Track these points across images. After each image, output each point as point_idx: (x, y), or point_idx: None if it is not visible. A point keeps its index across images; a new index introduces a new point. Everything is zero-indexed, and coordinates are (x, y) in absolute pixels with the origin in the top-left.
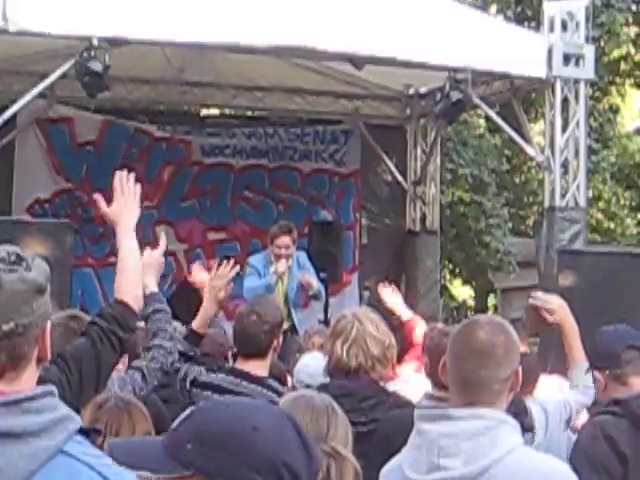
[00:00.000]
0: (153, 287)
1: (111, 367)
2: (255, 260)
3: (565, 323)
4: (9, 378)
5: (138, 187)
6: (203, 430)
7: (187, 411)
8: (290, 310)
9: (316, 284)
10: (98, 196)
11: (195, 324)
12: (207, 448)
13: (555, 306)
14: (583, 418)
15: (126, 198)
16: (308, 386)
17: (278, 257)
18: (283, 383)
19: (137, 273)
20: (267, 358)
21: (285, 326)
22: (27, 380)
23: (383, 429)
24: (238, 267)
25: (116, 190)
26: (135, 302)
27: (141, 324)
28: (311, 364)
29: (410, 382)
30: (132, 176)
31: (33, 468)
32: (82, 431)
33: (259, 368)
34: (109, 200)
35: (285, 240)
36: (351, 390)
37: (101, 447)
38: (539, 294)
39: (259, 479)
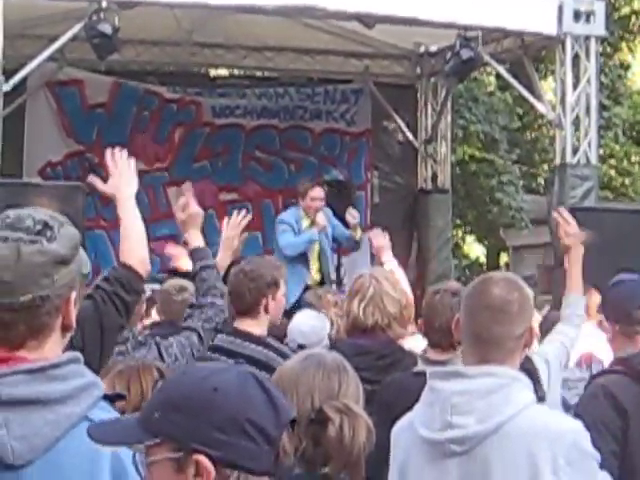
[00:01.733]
0: (197, 242)
1: (117, 330)
2: (287, 217)
3: (574, 250)
4: (31, 347)
5: (132, 160)
6: (167, 397)
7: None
8: (322, 264)
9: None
10: (94, 177)
11: None
12: (172, 414)
13: (573, 229)
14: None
15: (120, 170)
16: (301, 346)
17: (315, 210)
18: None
19: (141, 237)
20: (259, 317)
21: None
22: (51, 348)
23: (382, 395)
24: (250, 216)
25: (109, 166)
26: (141, 265)
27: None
28: (304, 322)
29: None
30: (124, 151)
31: (58, 434)
32: (106, 397)
33: (253, 326)
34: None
35: (320, 192)
36: (368, 348)
37: (123, 412)
38: (564, 213)
39: (224, 438)
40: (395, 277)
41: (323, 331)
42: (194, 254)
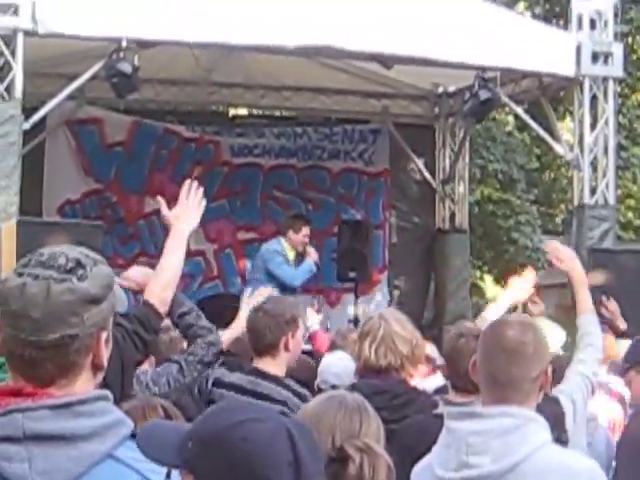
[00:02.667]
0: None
1: (135, 366)
2: (278, 247)
3: (574, 272)
4: (60, 385)
5: (204, 201)
6: (202, 431)
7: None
8: None
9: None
10: (160, 199)
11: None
12: (201, 448)
13: (565, 255)
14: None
15: (189, 205)
16: (334, 386)
17: (303, 244)
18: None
19: (173, 277)
20: (279, 356)
21: None
22: (81, 387)
23: (403, 438)
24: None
25: (182, 196)
26: (161, 304)
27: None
28: (336, 364)
29: None
30: (201, 189)
31: (80, 470)
32: (135, 435)
33: (272, 366)
34: (138, 202)
35: (308, 230)
36: (382, 388)
37: None
38: (553, 242)
39: None
40: (403, 316)
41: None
42: (174, 301)
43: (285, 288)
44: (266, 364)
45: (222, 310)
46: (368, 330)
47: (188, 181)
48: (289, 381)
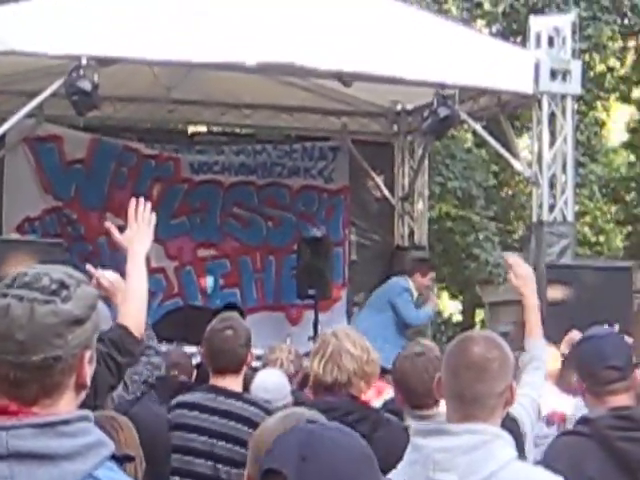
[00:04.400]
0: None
1: (108, 389)
2: (406, 285)
3: (526, 293)
4: (44, 405)
5: (153, 216)
6: (276, 440)
7: None
8: None
9: None
10: (110, 224)
11: None
12: (269, 459)
13: (523, 271)
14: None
15: (139, 225)
16: (267, 402)
17: (427, 288)
18: None
19: (143, 301)
20: (241, 374)
21: None
22: (65, 407)
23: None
24: None
25: (130, 217)
26: (137, 328)
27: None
28: (267, 379)
29: None
30: (148, 204)
31: None
32: (114, 457)
33: (234, 384)
34: (98, 219)
35: (434, 275)
36: (333, 405)
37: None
38: (514, 256)
39: None
40: (356, 333)
41: (285, 387)
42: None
43: (400, 324)
44: (227, 382)
45: (187, 322)
46: (319, 347)
47: (133, 201)
48: (251, 397)
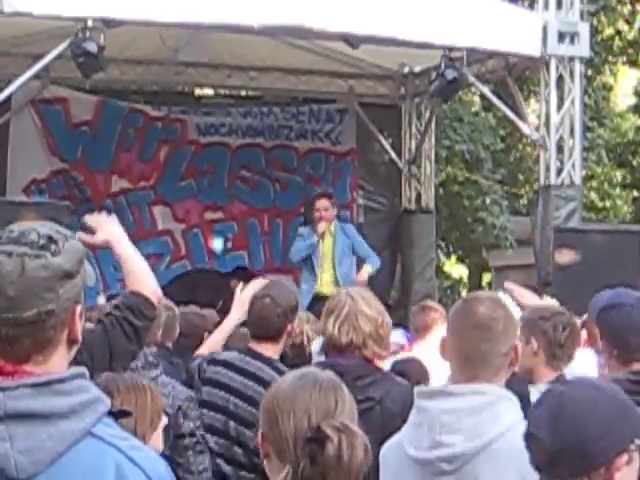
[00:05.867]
0: None
1: (127, 355)
2: (302, 229)
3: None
4: (37, 361)
5: (112, 216)
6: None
7: None
8: (335, 272)
9: (369, 267)
10: (82, 234)
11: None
12: None
13: (526, 300)
14: None
15: (102, 223)
16: None
17: (318, 219)
18: None
19: (146, 270)
20: (280, 342)
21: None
22: (57, 363)
23: (382, 408)
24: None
25: (92, 226)
26: (152, 294)
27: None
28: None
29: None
30: (96, 214)
31: (60, 449)
32: (111, 413)
33: (270, 351)
34: (104, 181)
35: (323, 202)
36: (345, 368)
37: (130, 429)
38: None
39: None
40: (371, 295)
41: None
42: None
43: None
44: (264, 349)
45: (195, 286)
46: (333, 307)
47: (86, 217)
48: (280, 364)
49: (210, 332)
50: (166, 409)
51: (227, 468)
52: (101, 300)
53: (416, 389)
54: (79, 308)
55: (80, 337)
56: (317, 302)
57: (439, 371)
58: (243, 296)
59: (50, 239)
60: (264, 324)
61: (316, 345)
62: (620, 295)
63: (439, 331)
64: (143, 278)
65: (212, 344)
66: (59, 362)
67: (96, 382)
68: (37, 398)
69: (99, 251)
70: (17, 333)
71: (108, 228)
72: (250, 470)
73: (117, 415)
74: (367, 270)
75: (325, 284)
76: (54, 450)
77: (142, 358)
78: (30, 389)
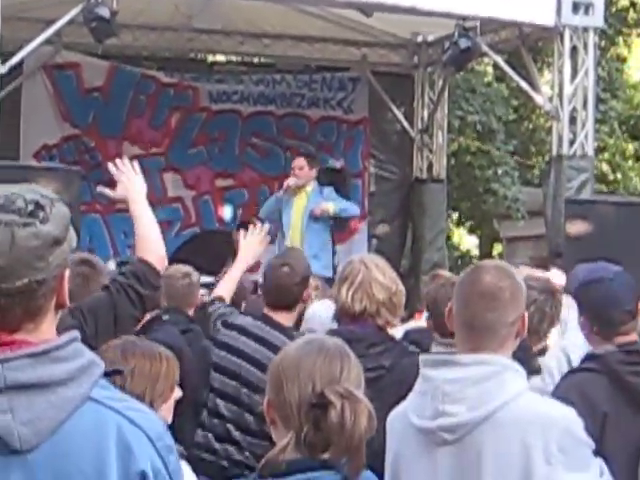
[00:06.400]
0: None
1: (131, 320)
2: (276, 191)
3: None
4: (28, 329)
5: (135, 163)
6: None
7: None
8: (302, 229)
9: (332, 205)
10: (101, 188)
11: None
12: None
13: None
14: None
15: (127, 176)
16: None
17: (294, 176)
18: None
19: (157, 236)
20: (295, 309)
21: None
22: (47, 328)
23: (392, 376)
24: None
25: (114, 174)
26: (159, 261)
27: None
28: (323, 310)
29: None
30: (126, 160)
31: (62, 417)
32: (106, 374)
33: (285, 319)
34: (116, 147)
35: (299, 162)
36: (358, 335)
37: (123, 388)
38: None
39: None
40: (385, 262)
41: None
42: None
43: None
44: (280, 317)
45: (204, 249)
46: (347, 275)
47: (109, 164)
48: (295, 332)
49: (246, 300)
50: None
51: (236, 434)
52: (111, 266)
53: (421, 357)
54: (67, 272)
55: (67, 301)
56: None
57: None
58: (247, 242)
59: (37, 205)
60: (282, 293)
61: (322, 310)
62: (598, 269)
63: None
64: (152, 244)
65: (227, 284)
66: (49, 328)
67: (115, 343)
68: (36, 367)
69: (109, 216)
70: (9, 303)
71: (129, 184)
72: (262, 437)
73: (110, 374)
74: (329, 205)
75: (293, 243)
76: (56, 419)
77: None
78: (29, 359)
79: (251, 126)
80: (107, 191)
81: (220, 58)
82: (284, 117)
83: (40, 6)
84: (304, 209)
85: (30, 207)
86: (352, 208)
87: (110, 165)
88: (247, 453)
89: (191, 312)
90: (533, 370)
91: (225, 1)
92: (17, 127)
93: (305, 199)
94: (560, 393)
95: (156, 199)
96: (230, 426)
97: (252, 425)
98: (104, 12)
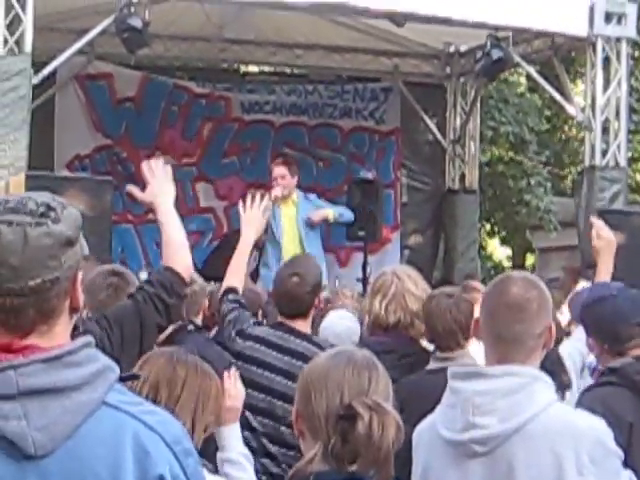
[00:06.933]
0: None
1: (156, 329)
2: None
3: (604, 258)
4: (41, 331)
5: (168, 167)
6: None
7: None
8: (301, 239)
9: (331, 211)
10: (131, 187)
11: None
12: None
13: (607, 235)
14: None
15: (158, 180)
16: (332, 346)
17: (275, 187)
18: None
19: (183, 244)
20: (309, 317)
21: None
22: (61, 332)
23: (397, 394)
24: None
25: (146, 177)
26: (185, 270)
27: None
28: (338, 322)
29: None
30: (160, 160)
31: (77, 422)
32: (121, 379)
33: (302, 326)
34: (148, 158)
35: (279, 170)
36: (391, 347)
37: (141, 393)
38: (599, 221)
39: None
40: (417, 273)
41: (356, 333)
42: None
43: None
44: (296, 324)
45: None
46: (380, 286)
47: (144, 162)
48: (318, 339)
49: (263, 308)
50: None
51: (272, 447)
52: (143, 276)
53: (450, 370)
54: (80, 275)
55: (81, 304)
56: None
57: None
58: (248, 217)
59: (48, 207)
60: (295, 304)
61: (336, 320)
62: (599, 289)
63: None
64: (178, 253)
65: (235, 270)
66: (63, 332)
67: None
68: (50, 373)
69: (141, 226)
70: (22, 303)
71: (158, 189)
72: (299, 450)
73: (126, 379)
74: (328, 212)
75: (290, 253)
76: (71, 424)
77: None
78: (42, 364)
79: (283, 136)
80: (136, 191)
81: (252, 68)
82: (316, 127)
83: (73, 17)
84: (296, 218)
85: (42, 209)
86: (347, 212)
87: (144, 164)
88: (284, 466)
89: (199, 320)
90: (562, 382)
91: (256, 11)
92: (50, 137)
93: (294, 208)
94: (584, 407)
95: (188, 209)
96: (264, 440)
97: (288, 438)
98: (136, 22)
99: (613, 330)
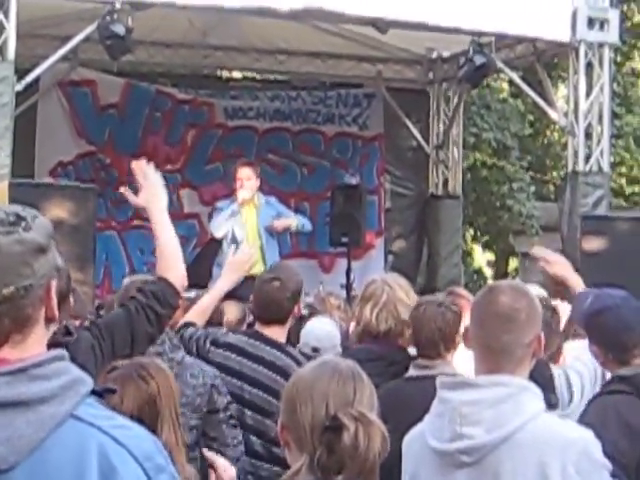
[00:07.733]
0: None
1: (147, 339)
2: (220, 203)
3: (568, 275)
4: (15, 341)
5: (158, 175)
6: None
7: None
8: (262, 245)
9: (294, 221)
10: (125, 189)
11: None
12: None
13: (554, 258)
14: None
15: (151, 182)
16: (315, 349)
17: (239, 189)
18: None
19: (177, 253)
20: (286, 324)
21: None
22: (35, 343)
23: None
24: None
25: (139, 180)
26: (177, 280)
27: None
28: (319, 327)
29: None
30: (151, 164)
31: (42, 435)
32: (96, 392)
33: (278, 334)
34: (131, 164)
35: (245, 171)
36: (379, 354)
37: (114, 408)
38: (540, 248)
39: None
40: (406, 282)
41: (336, 337)
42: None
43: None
44: (271, 331)
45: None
46: (371, 294)
47: (134, 162)
48: (291, 348)
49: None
50: (199, 388)
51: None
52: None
53: (438, 379)
54: (54, 284)
55: (57, 314)
56: (244, 283)
57: (466, 358)
58: (235, 260)
59: (18, 216)
60: (274, 308)
61: (318, 326)
62: (603, 297)
63: (465, 318)
64: (172, 263)
65: (200, 310)
66: (37, 342)
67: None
68: (14, 386)
69: (125, 233)
70: None
71: (150, 194)
72: (268, 461)
73: (101, 393)
74: (291, 221)
75: None
76: (35, 437)
77: (167, 342)
78: (7, 377)
79: (267, 142)
80: (129, 195)
81: (235, 74)
82: (300, 133)
83: (56, 23)
84: (257, 223)
85: (11, 218)
86: (307, 223)
87: (134, 164)
88: (250, 477)
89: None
90: (549, 400)
91: (239, 17)
92: (32, 144)
93: (255, 212)
94: (595, 416)
95: (172, 215)
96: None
97: (259, 448)
98: (119, 29)
99: (617, 340)
